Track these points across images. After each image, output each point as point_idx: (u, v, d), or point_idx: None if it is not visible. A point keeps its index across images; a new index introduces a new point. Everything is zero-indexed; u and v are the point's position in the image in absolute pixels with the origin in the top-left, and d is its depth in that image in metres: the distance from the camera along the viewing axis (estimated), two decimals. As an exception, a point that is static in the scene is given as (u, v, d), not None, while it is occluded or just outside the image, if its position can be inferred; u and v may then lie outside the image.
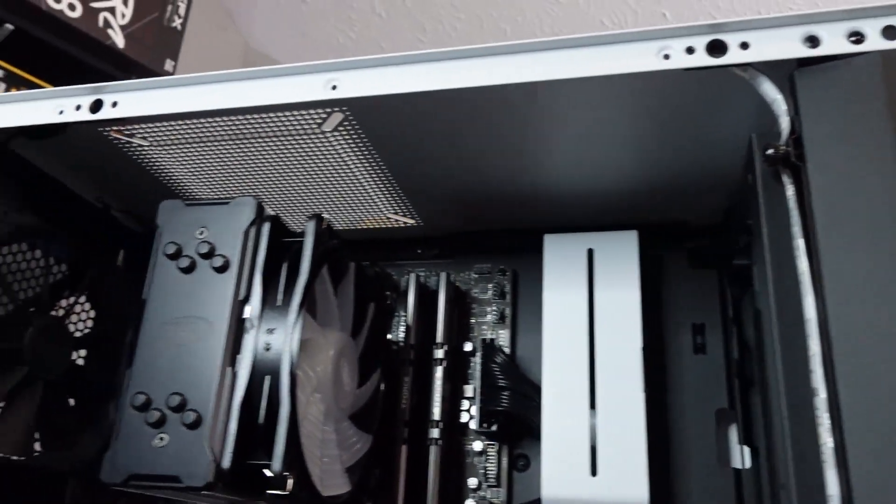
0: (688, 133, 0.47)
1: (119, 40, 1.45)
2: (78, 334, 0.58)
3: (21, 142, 0.53)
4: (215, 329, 0.43)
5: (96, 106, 0.49)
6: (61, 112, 0.50)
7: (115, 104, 0.48)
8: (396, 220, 0.63)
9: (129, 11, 1.51)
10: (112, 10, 1.48)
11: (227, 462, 0.40)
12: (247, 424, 0.42)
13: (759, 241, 0.40)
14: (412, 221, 0.63)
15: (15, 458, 0.51)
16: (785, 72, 0.39)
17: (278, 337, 0.43)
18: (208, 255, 0.44)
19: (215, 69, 0.47)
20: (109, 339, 0.60)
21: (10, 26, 1.27)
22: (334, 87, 0.45)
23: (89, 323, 0.59)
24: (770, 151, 0.38)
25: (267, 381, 0.42)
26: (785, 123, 0.38)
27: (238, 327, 0.43)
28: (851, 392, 0.32)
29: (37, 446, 0.54)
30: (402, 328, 0.59)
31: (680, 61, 0.39)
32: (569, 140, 0.50)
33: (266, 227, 0.45)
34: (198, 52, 1.25)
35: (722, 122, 0.46)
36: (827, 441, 0.33)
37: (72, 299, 0.58)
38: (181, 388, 0.41)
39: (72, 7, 1.41)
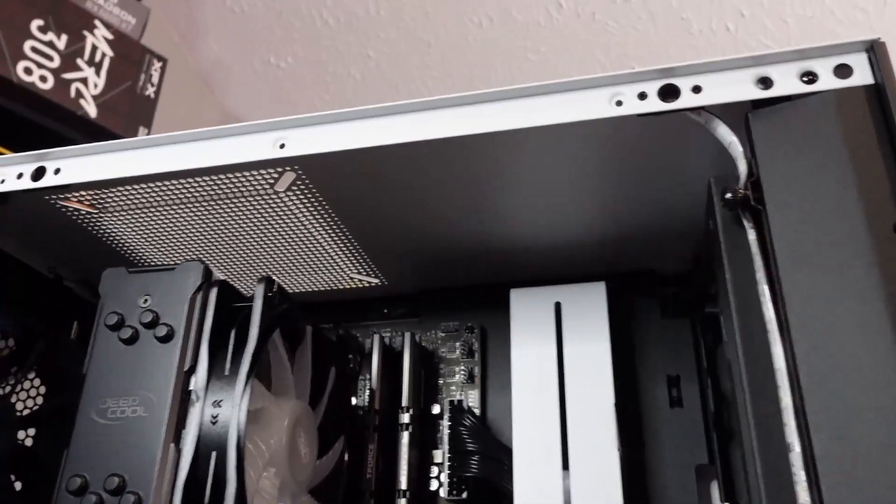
0: (648, 180, 0.46)
1: (91, 110, 1.45)
2: (26, 412, 0.55)
3: (-37, 213, 0.51)
4: (158, 403, 0.40)
5: (38, 173, 0.47)
6: (2, 181, 0.48)
7: (57, 171, 0.47)
8: (360, 280, 0.61)
9: (101, 81, 1.52)
10: (84, 81, 1.48)
11: (169, 548, 0.37)
12: (192, 505, 0.39)
13: (723, 288, 0.39)
14: (376, 281, 0.61)
15: (-48, 549, 0.47)
16: (740, 113, 0.38)
17: (226, 409, 0.40)
18: (152, 325, 0.42)
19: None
20: (61, 417, 0.57)
21: (-20, 99, 1.27)
22: (282, 146, 0.43)
23: (39, 400, 0.56)
24: (729, 195, 0.37)
25: (214, 456, 0.40)
26: (742, 166, 0.37)
27: (183, 400, 0.41)
28: (826, 446, 0.30)
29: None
30: (368, 392, 0.56)
31: (633, 107, 0.38)
32: (530, 192, 0.49)
33: (213, 293, 0.43)
34: (174, 121, 1.25)
35: (681, 167, 0.45)
36: (805, 500, 0.31)
37: (19, 375, 0.55)
38: (120, 469, 0.39)
39: (43, 79, 1.41)
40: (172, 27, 1.47)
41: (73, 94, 1.41)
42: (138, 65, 1.49)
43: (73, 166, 0.47)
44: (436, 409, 0.57)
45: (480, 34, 1.28)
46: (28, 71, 1.28)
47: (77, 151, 0.47)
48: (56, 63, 1.29)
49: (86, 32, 1.35)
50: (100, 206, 0.52)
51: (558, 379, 0.51)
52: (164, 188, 0.49)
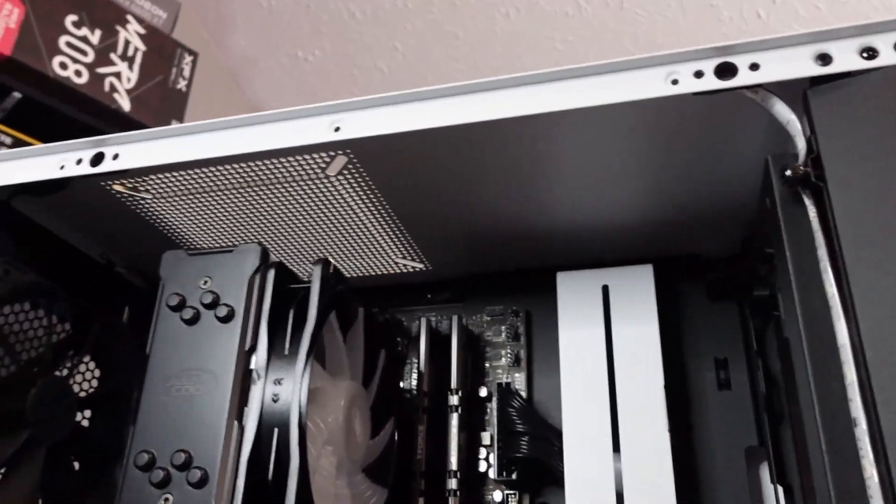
0: (700, 160, 0.46)
1: (125, 104, 1.47)
2: (83, 394, 0.56)
3: (23, 199, 0.52)
4: (221, 381, 0.41)
5: (97, 159, 0.48)
6: (62, 167, 0.49)
7: (116, 156, 0.48)
8: (404, 265, 0.62)
9: (134, 76, 1.53)
10: (118, 75, 1.50)
11: (235, 522, 0.38)
12: (256, 481, 0.40)
13: (782, 266, 0.39)
14: (420, 266, 0.62)
15: (17, 526, 0.49)
16: (797, 91, 0.38)
17: (286, 387, 0.41)
18: (212, 305, 0.43)
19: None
20: (115, 399, 0.58)
21: (17, 95, 1.29)
22: (337, 129, 0.44)
23: (94, 383, 0.58)
24: (788, 172, 0.37)
25: (276, 433, 0.40)
26: (801, 143, 0.37)
27: (244, 379, 0.42)
28: (893, 420, 0.30)
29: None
30: (415, 375, 0.57)
31: (689, 86, 0.38)
32: (578, 174, 0.49)
33: (271, 274, 0.44)
34: (204, 116, 1.27)
35: (735, 146, 0.45)
36: (872, 474, 0.31)
37: (76, 359, 0.56)
38: (186, 445, 0.40)
39: (78, 73, 1.43)
40: (201, 23, 1.48)
41: (107, 88, 1.43)
42: (170, 59, 1.50)
43: (132, 152, 0.48)
44: (483, 392, 0.58)
45: (508, 25, 1.28)
46: (63, 66, 1.30)
47: (135, 137, 0.48)
48: (90, 58, 1.31)
49: (118, 27, 1.36)
50: (154, 192, 0.53)
51: (607, 361, 0.51)
52: (219, 173, 0.50)
